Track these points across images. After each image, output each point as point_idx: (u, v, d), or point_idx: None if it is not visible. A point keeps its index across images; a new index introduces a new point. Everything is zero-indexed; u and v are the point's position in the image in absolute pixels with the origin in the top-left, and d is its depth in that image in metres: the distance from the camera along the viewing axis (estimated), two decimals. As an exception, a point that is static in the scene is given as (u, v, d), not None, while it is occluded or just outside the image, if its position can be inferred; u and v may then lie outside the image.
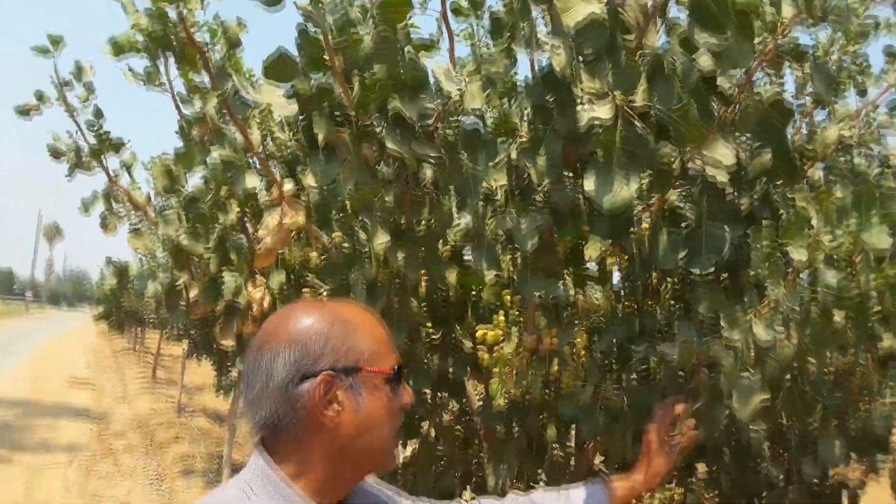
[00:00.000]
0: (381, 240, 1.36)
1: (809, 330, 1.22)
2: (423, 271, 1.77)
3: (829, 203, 1.12)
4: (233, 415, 9.11)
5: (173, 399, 13.78)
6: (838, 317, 1.30)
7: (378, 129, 1.32)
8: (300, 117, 1.55)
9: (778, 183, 1.64)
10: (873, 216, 1.09)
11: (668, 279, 1.95)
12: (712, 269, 1.50)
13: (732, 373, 1.26)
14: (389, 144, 1.29)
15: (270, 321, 1.11)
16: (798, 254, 1.15)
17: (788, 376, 1.47)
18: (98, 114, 1.93)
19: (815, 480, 2.15)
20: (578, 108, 1.12)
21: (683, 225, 1.57)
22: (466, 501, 1.48)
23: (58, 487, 7.56)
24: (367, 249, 1.65)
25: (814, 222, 1.16)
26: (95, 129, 1.94)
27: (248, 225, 1.92)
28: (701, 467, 2.57)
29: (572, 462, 2.14)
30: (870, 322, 1.67)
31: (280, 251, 1.72)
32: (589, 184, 1.17)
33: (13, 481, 7.56)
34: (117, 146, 1.93)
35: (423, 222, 1.52)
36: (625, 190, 1.15)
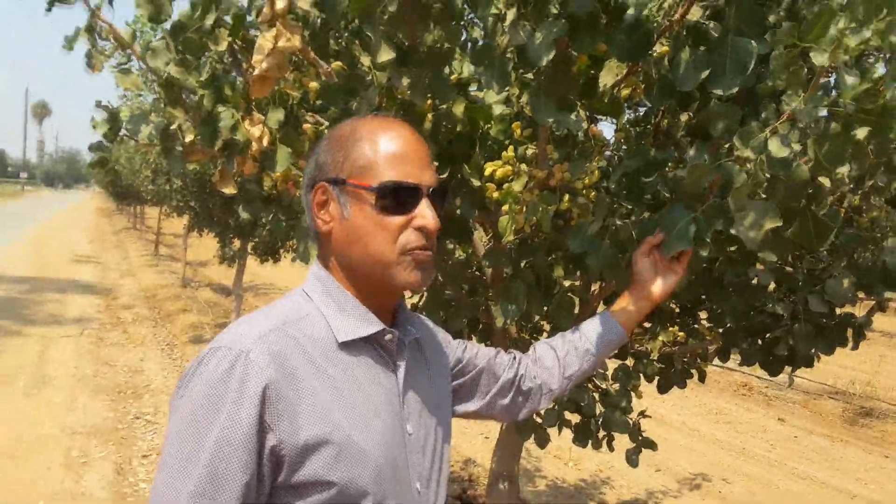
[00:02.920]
0: (386, 55, 1.26)
1: (827, 145, 1.15)
2: (429, 103, 1.69)
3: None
4: (238, 285, 9.25)
5: (177, 273, 14.00)
6: (859, 134, 1.24)
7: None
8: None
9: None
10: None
11: (685, 112, 1.87)
12: (735, 91, 1.42)
13: (743, 190, 1.21)
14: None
15: None
16: (819, 57, 1.06)
17: (801, 203, 1.42)
18: (72, -59, 1.78)
19: (823, 319, 2.17)
20: None
21: (704, 49, 1.47)
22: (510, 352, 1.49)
23: (71, 355, 7.80)
24: (369, 77, 1.56)
25: (840, 23, 1.07)
26: (71, -43, 1.79)
27: (240, 59, 1.81)
28: (702, 314, 2.60)
29: (577, 304, 2.14)
30: (892, 144, 1.61)
31: (277, 82, 1.63)
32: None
33: (27, 351, 7.78)
34: (96, -25, 1.79)
35: (430, 42, 1.42)
36: (652, -16, 1.05)
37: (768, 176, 1.27)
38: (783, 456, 6.54)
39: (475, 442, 6.17)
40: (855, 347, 2.19)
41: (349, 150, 1.10)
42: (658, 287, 1.45)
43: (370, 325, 1.10)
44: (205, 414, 0.94)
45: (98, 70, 1.84)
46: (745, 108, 1.64)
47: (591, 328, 1.50)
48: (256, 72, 1.45)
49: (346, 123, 1.14)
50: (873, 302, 2.29)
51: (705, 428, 7.24)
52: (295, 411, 0.98)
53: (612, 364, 2.51)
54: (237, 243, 8.71)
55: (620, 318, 1.48)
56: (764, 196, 1.33)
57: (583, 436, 2.45)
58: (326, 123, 1.67)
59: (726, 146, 1.76)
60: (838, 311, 2.19)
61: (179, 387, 1.00)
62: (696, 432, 7.06)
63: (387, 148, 1.09)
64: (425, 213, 1.09)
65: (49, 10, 1.83)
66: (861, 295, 2.16)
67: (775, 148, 1.21)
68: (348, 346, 1.08)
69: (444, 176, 1.88)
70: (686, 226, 1.38)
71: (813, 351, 2.22)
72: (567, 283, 2.14)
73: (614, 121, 2.02)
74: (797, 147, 1.22)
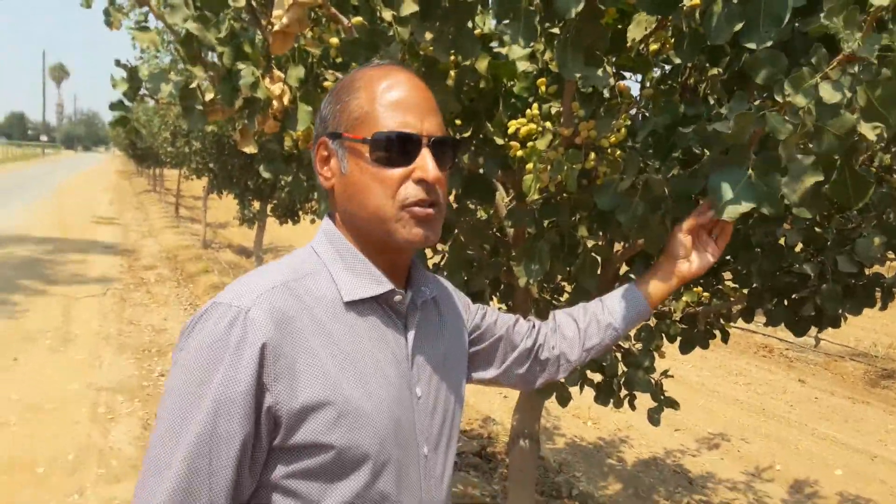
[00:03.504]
0: (409, 8, 1.23)
1: (880, 90, 1.11)
2: (452, 60, 1.65)
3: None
4: (258, 247, 9.30)
5: (198, 235, 14.10)
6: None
7: None
8: None
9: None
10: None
11: (715, 68, 1.82)
12: (769, 44, 1.37)
13: (791, 141, 1.17)
14: None
15: None
16: (878, -2, 1.01)
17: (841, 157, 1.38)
18: None
19: (851, 280, 2.13)
20: None
21: (737, 1, 1.42)
22: (529, 320, 1.45)
23: (95, 315, 7.92)
24: (391, 32, 1.53)
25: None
26: (86, -89, 1.76)
27: (259, 15, 1.78)
28: (726, 274, 2.57)
29: (600, 264, 2.12)
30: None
31: (297, 38, 1.60)
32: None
33: (51, 310, 7.92)
34: (112, -70, 1.75)
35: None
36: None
37: (813, 126, 1.23)
38: (803, 417, 6.54)
39: (494, 400, 6.22)
40: (883, 308, 2.15)
41: (346, 101, 1.05)
42: (691, 266, 1.41)
43: (378, 284, 1.06)
44: (202, 371, 0.92)
45: (116, 27, 1.82)
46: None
47: (615, 301, 1.45)
48: (276, 27, 1.42)
49: (349, 74, 1.10)
50: (903, 262, 2.24)
51: (725, 388, 7.24)
52: (294, 371, 0.95)
53: (635, 324, 2.50)
54: (257, 205, 8.74)
55: (646, 293, 1.43)
56: (810, 146, 1.28)
57: (605, 395, 2.45)
58: (348, 80, 1.64)
59: (756, 102, 1.72)
60: (867, 271, 2.16)
61: (180, 340, 0.98)
62: (716, 393, 7.07)
63: (382, 97, 1.03)
64: (425, 165, 1.02)
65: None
66: (890, 255, 2.12)
67: (827, 93, 1.16)
68: (355, 305, 1.05)
69: (467, 134, 1.85)
70: (748, 183, 1.30)
71: (840, 311, 2.19)
72: (591, 244, 2.12)
73: (639, 77, 1.98)
74: (848, 94, 1.18)
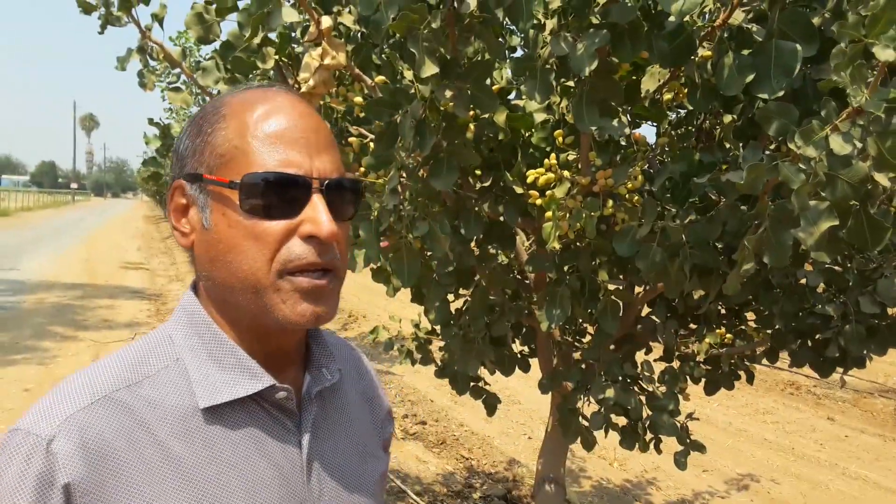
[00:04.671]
0: (430, 70, 1.29)
1: (890, 141, 1.14)
2: (471, 113, 1.71)
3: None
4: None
5: (222, 278, 14.25)
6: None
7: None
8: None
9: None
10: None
11: (729, 115, 1.86)
12: (780, 94, 1.41)
13: (803, 190, 1.20)
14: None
15: None
16: (884, 52, 1.05)
17: (857, 202, 1.40)
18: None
19: (874, 320, 2.13)
20: None
21: (748, 53, 1.47)
22: None
23: (123, 360, 8.00)
24: (413, 91, 1.59)
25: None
26: (123, -20, 1.86)
27: (286, 75, 1.85)
28: (749, 315, 2.57)
29: (621, 307, 2.14)
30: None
31: (322, 98, 1.67)
32: (654, -9, 1.08)
33: (81, 356, 8.02)
34: (147, -3, 1.85)
35: (471, 53, 1.44)
36: (695, -7, 1.05)
37: (825, 175, 1.26)
38: (833, 456, 6.40)
39: (519, 442, 6.17)
40: (909, 348, 2.14)
41: (210, 133, 0.79)
42: None
43: (252, 379, 0.80)
44: None
45: (150, 89, 1.91)
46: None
47: None
48: (303, 89, 1.48)
49: (216, 98, 0.85)
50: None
51: (752, 428, 7.11)
52: None
53: (659, 367, 2.50)
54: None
55: None
56: (823, 195, 1.31)
57: (630, 439, 2.44)
58: (371, 136, 1.70)
59: (772, 146, 1.75)
60: (890, 311, 2.15)
61: None
62: (743, 432, 6.95)
63: (257, 127, 0.77)
64: (316, 216, 0.76)
65: (102, 32, 1.89)
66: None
67: (837, 145, 1.19)
68: (219, 411, 0.78)
69: (487, 184, 1.89)
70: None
71: (865, 352, 2.19)
72: (612, 287, 2.15)
73: (654, 124, 2.02)
74: (858, 144, 1.21)
